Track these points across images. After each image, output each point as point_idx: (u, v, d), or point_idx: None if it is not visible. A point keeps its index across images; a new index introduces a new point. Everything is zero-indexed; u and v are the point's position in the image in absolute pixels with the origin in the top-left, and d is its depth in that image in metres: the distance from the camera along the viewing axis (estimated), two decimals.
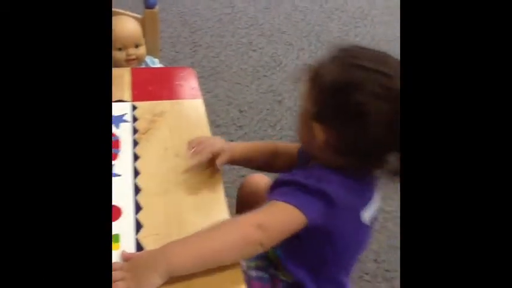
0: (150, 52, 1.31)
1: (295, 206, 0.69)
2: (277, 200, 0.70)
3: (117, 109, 0.98)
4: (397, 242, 1.45)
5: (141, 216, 0.75)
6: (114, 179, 0.81)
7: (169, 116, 0.98)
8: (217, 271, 0.66)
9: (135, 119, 0.96)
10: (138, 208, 0.76)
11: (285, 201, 0.70)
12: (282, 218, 0.70)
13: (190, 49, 2.47)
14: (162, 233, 0.72)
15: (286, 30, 2.59)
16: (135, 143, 0.90)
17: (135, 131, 0.93)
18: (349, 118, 0.69)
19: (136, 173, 0.83)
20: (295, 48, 2.44)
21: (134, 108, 0.99)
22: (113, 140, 0.90)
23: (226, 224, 0.70)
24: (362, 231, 0.78)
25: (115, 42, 1.22)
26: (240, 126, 1.91)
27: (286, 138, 1.86)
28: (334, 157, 0.73)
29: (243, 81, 2.19)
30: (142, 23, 1.30)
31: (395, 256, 1.43)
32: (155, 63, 1.31)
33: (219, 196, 0.81)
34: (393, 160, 0.71)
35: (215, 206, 0.80)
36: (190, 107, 1.02)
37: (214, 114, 2.00)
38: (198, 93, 1.06)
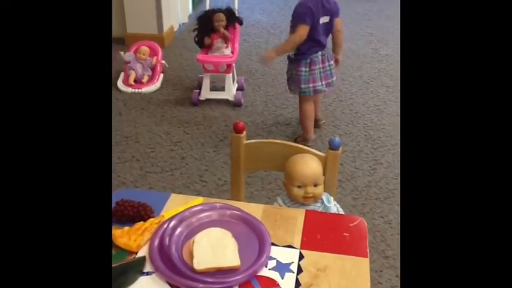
0: (327, 189, 1.38)
1: (303, 23, 2.41)
2: (297, 24, 2.43)
3: (286, 255, 1.05)
4: None
5: None
6: None
7: (332, 272, 1.02)
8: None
9: (299, 270, 1.02)
10: None
11: (299, 24, 2.42)
12: (302, 31, 2.41)
13: (370, 166, 2.50)
14: None
15: None
16: None
17: (297, 283, 0.99)
18: None
19: None
20: None
21: (301, 257, 1.05)
22: None
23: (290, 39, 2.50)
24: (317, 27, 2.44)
25: (296, 180, 1.32)
26: None
27: None
28: None
29: None
30: (324, 161, 1.38)
31: None
32: (330, 201, 1.37)
33: None
34: None
35: None
36: (355, 266, 1.04)
37: (384, 243, 1.97)
38: (366, 250, 1.08)
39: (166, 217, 1.13)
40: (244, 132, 1.45)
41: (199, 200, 1.21)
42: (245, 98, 3.20)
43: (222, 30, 3.10)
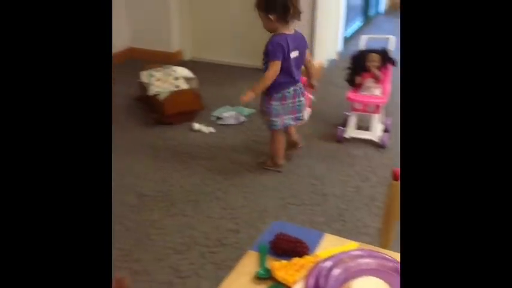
0: None
1: (276, 60, 2.56)
2: (270, 61, 2.58)
3: None
4: None
5: None
6: None
7: None
8: None
9: None
10: None
11: (272, 60, 2.57)
12: (276, 67, 2.57)
13: None
14: None
15: None
16: None
17: None
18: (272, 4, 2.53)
19: None
20: None
21: None
22: None
23: (266, 77, 2.61)
24: (289, 61, 2.60)
25: None
26: None
27: None
28: (275, 24, 2.56)
29: None
30: None
31: None
32: None
33: None
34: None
35: None
36: None
37: None
38: None
39: (321, 257, 1.14)
40: None
41: (355, 244, 1.21)
42: (390, 139, 3.13)
43: (374, 70, 3.10)
